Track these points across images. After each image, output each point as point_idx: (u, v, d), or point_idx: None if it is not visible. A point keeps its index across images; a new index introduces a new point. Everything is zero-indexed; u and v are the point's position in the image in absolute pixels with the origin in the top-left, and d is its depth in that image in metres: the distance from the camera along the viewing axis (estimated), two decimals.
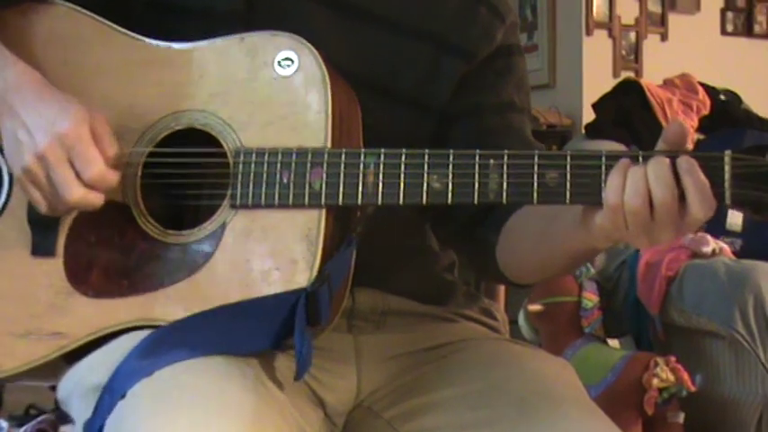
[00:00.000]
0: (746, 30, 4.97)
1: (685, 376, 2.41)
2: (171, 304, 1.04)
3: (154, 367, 0.95)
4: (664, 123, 3.41)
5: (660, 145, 0.96)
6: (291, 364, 1.00)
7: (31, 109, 1.04)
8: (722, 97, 3.64)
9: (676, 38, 4.74)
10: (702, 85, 3.64)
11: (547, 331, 2.72)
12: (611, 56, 4.61)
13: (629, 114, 3.45)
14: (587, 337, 2.65)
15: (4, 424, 2.43)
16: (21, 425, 2.39)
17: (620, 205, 0.93)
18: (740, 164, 0.93)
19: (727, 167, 0.93)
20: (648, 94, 3.48)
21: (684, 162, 0.92)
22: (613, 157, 0.96)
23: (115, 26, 1.12)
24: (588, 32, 4.55)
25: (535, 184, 0.98)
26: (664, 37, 4.75)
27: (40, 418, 2.36)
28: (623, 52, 4.64)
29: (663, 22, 4.75)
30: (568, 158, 0.97)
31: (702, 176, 0.92)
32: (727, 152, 0.94)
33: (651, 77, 3.97)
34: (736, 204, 0.94)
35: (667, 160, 0.93)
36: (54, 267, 1.08)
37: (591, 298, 2.67)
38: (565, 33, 4.60)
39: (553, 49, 4.63)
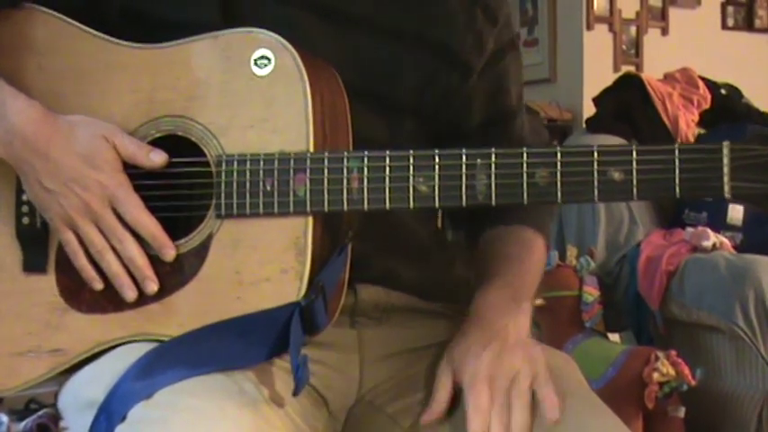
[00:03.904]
0: (747, 24, 4.96)
1: (686, 370, 2.41)
2: (164, 319, 1.02)
3: (152, 389, 0.94)
4: (664, 118, 3.41)
5: None
6: (290, 367, 0.99)
7: (57, 153, 1.02)
8: (723, 91, 3.64)
9: (677, 32, 4.73)
10: (703, 79, 3.63)
11: (547, 325, 2.72)
12: (611, 50, 4.60)
13: (629, 109, 3.44)
14: (588, 331, 2.66)
15: (5, 418, 2.43)
16: (21, 419, 2.39)
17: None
18: (739, 155, 0.90)
19: (725, 159, 0.90)
20: (649, 88, 3.47)
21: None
22: (606, 152, 0.93)
23: (88, 29, 1.09)
24: (589, 27, 4.54)
25: (524, 184, 0.95)
26: (664, 31, 4.74)
27: (40, 413, 2.36)
28: (624, 47, 4.63)
29: (663, 16, 4.74)
30: (558, 155, 0.94)
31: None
32: (726, 143, 0.91)
33: (652, 72, 3.96)
34: (736, 198, 0.92)
35: None
36: (47, 284, 1.06)
37: (591, 292, 2.67)
38: (565, 27, 4.59)
39: (554, 44, 4.62)
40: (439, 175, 0.97)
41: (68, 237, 1.04)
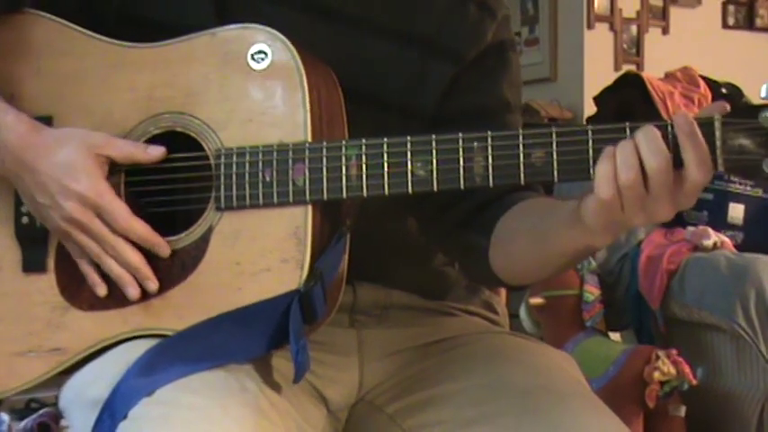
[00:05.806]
0: (748, 23, 4.96)
1: (687, 369, 2.41)
2: (165, 313, 1.03)
3: (154, 386, 0.94)
4: (665, 117, 3.40)
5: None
6: (291, 365, 0.99)
7: (43, 166, 1.03)
8: (724, 90, 3.63)
9: (678, 31, 4.73)
10: (704, 78, 3.63)
11: (548, 324, 2.72)
12: (612, 49, 4.60)
13: (630, 108, 3.44)
14: (589, 330, 2.65)
15: (6, 417, 2.43)
16: (22, 418, 2.39)
17: (613, 184, 0.90)
18: (731, 128, 0.90)
19: (717, 133, 0.90)
20: (650, 87, 3.47)
21: (683, 122, 0.90)
22: (599, 131, 0.94)
23: (86, 31, 1.10)
24: (589, 26, 4.54)
25: (521, 165, 0.96)
26: (665, 30, 4.74)
27: (41, 412, 2.36)
28: (624, 45, 4.63)
29: (664, 15, 4.74)
30: (554, 135, 0.95)
31: (699, 135, 0.89)
32: (717, 116, 0.91)
33: (652, 71, 3.95)
34: (730, 171, 0.92)
35: (656, 129, 0.90)
36: (47, 283, 1.07)
37: (592, 291, 2.67)
38: (566, 27, 4.59)
39: (554, 43, 4.62)
40: (436, 159, 0.98)
41: (70, 245, 1.05)
